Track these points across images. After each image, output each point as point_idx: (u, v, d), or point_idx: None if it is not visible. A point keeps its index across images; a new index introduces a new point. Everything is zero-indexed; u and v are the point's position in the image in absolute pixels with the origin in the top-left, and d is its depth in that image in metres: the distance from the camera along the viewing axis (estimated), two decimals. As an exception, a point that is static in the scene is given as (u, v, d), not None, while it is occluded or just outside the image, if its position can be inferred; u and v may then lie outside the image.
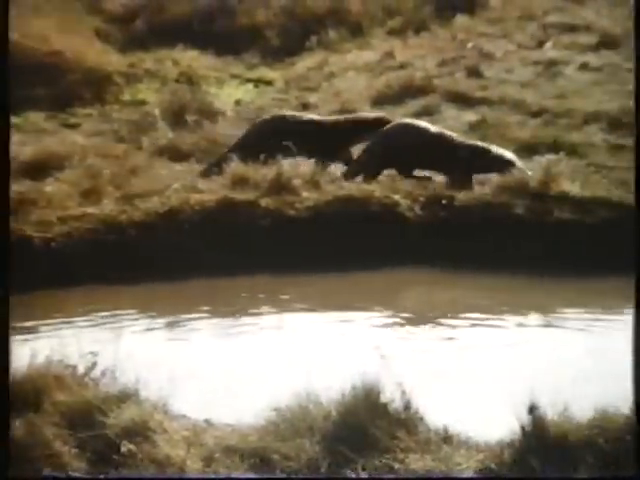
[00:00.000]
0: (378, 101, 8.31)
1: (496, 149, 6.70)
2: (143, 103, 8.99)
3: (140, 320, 5.35)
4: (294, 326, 5.30)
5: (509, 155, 6.67)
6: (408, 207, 6.35)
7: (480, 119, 7.97)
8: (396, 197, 6.40)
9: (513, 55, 10.09)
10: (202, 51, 10.29)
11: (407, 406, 3.68)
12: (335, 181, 6.72)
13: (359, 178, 6.76)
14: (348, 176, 6.79)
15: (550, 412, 3.48)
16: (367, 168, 6.79)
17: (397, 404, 3.66)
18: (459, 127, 7.71)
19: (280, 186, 6.45)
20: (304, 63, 10.18)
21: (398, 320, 5.40)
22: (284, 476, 3.46)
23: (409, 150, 6.68)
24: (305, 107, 8.66)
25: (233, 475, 3.47)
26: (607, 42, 10.23)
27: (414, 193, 6.48)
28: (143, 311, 5.46)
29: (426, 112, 8.36)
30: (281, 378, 4.18)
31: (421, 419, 3.67)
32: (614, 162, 7.06)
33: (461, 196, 6.41)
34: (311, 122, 7.22)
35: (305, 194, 6.42)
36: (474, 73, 9.33)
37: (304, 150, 6.91)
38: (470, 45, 10.29)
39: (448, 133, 6.82)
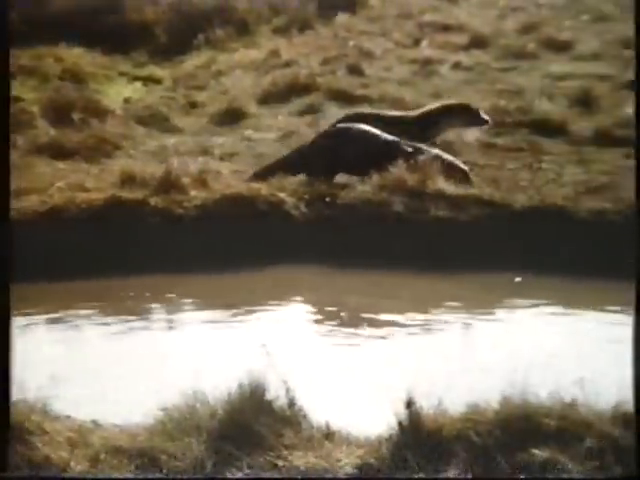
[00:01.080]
0: (264, 99, 8.26)
1: (447, 155, 6.66)
2: (17, 100, 8.66)
3: (17, 318, 5.15)
4: (182, 325, 5.21)
5: (458, 162, 6.66)
6: (294, 205, 6.33)
7: (361, 117, 7.98)
8: (282, 195, 6.35)
9: (391, 53, 10.18)
10: (89, 48, 9.97)
11: (292, 403, 3.67)
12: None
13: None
14: (261, 175, 6.65)
15: (425, 407, 3.49)
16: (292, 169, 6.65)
17: (282, 401, 3.64)
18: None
19: (169, 184, 6.35)
20: (192, 61, 10.02)
21: (284, 318, 5.37)
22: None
23: (346, 154, 6.56)
24: (193, 105, 8.55)
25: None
26: (477, 42, 10.40)
27: (299, 191, 6.46)
28: (20, 309, 5.25)
29: (310, 110, 8.36)
30: (169, 377, 4.10)
31: (305, 416, 3.65)
32: (485, 160, 7.18)
33: (343, 194, 6.42)
34: (395, 117, 7.10)
35: (194, 193, 6.33)
36: (355, 71, 9.37)
37: None
38: (351, 43, 10.33)
39: (391, 138, 6.69)
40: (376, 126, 6.75)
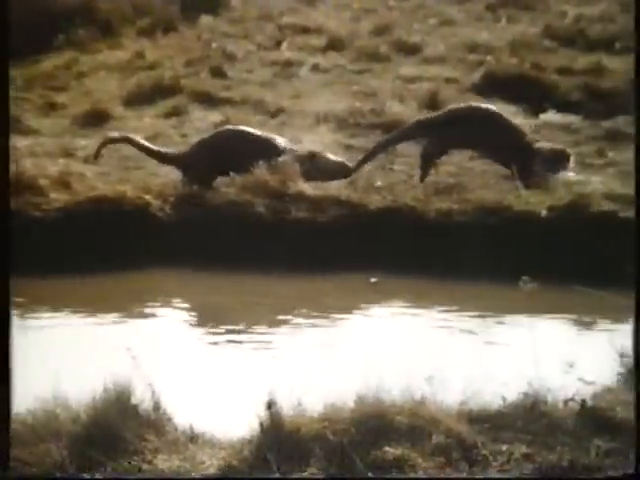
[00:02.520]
0: (129, 101, 8.02)
1: (325, 154, 6.57)
2: None
3: None
4: (41, 328, 5.00)
5: (338, 159, 6.58)
6: (159, 207, 6.19)
7: (224, 119, 7.86)
8: (147, 197, 6.20)
9: (253, 55, 10.04)
10: None
11: (157, 407, 3.60)
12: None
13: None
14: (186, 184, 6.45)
15: (285, 408, 3.46)
16: (198, 180, 6.44)
17: (147, 405, 3.57)
18: (205, 128, 7.61)
19: (22, 186, 6.03)
20: (50, 62, 9.52)
21: (148, 320, 5.26)
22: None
23: (233, 155, 6.40)
24: (52, 107, 8.22)
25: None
26: (334, 44, 10.38)
27: (164, 193, 6.32)
28: None
29: (175, 112, 8.20)
30: (25, 382, 3.92)
31: (169, 419, 3.59)
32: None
33: (209, 195, 6.33)
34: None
35: (53, 195, 6.06)
36: (218, 73, 9.23)
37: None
38: (214, 45, 10.16)
39: (273, 138, 6.59)
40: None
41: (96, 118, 7.98)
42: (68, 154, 7.01)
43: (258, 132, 6.66)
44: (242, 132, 6.63)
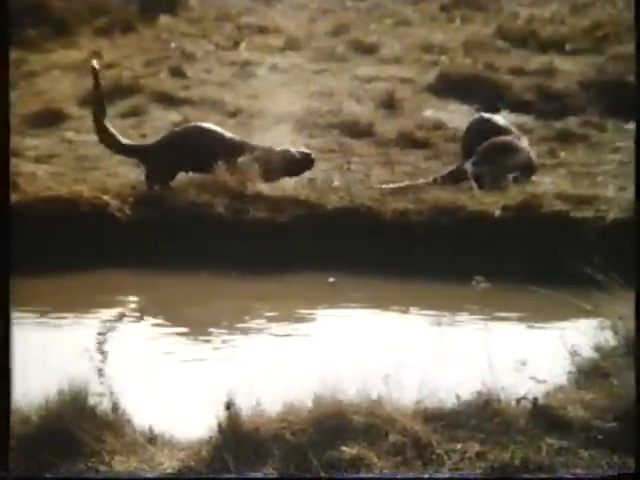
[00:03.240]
0: (86, 101, 7.87)
1: (296, 150, 6.54)
2: None
3: None
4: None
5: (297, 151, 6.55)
6: (118, 208, 6.13)
7: (183, 119, 7.80)
8: (106, 197, 6.13)
9: (212, 55, 9.98)
10: None
11: (115, 408, 3.56)
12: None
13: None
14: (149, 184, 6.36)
15: (244, 408, 3.43)
16: (161, 174, 6.39)
17: (105, 406, 3.52)
18: (164, 127, 7.54)
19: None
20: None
21: (107, 322, 5.20)
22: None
23: (197, 151, 6.34)
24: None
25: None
26: (292, 44, 10.37)
27: (123, 193, 6.26)
28: None
29: (134, 112, 8.11)
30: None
31: (128, 421, 3.55)
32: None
33: (169, 195, 6.26)
34: None
35: None
36: (177, 73, 9.17)
37: None
38: (173, 45, 10.09)
39: (237, 137, 6.58)
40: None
41: (49, 118, 7.82)
42: (16, 154, 6.83)
43: (224, 131, 6.64)
44: (209, 130, 6.59)
